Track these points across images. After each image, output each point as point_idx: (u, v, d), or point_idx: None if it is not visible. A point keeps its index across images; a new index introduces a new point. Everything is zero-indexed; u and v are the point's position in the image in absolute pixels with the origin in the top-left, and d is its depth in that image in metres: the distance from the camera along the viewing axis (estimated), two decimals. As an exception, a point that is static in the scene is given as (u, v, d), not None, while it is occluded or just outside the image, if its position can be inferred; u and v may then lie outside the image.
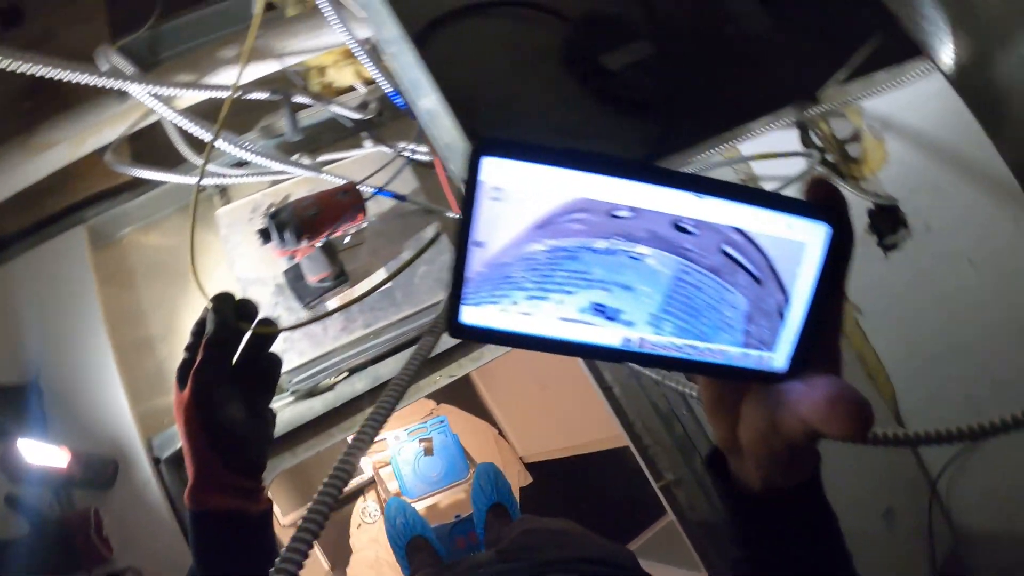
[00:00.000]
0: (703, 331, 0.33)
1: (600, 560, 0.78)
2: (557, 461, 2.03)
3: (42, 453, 0.94)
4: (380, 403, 0.43)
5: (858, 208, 1.24)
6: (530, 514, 1.81)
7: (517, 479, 2.05)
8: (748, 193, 0.32)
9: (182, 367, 0.55)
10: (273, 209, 0.87)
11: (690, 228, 0.32)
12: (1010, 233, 1.04)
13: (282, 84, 1.03)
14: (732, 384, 0.36)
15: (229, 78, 1.06)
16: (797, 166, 1.22)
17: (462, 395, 2.24)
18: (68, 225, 1.16)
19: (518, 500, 1.98)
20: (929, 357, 1.27)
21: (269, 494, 0.60)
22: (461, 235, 0.30)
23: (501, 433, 2.19)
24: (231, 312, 0.55)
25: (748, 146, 1.24)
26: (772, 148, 1.27)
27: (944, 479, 1.30)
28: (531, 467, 2.15)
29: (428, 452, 2.03)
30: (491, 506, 1.77)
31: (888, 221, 1.22)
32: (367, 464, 1.99)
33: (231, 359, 0.56)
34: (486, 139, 0.29)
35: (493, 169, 0.29)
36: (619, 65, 0.55)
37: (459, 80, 0.54)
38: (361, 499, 2.03)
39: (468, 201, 0.29)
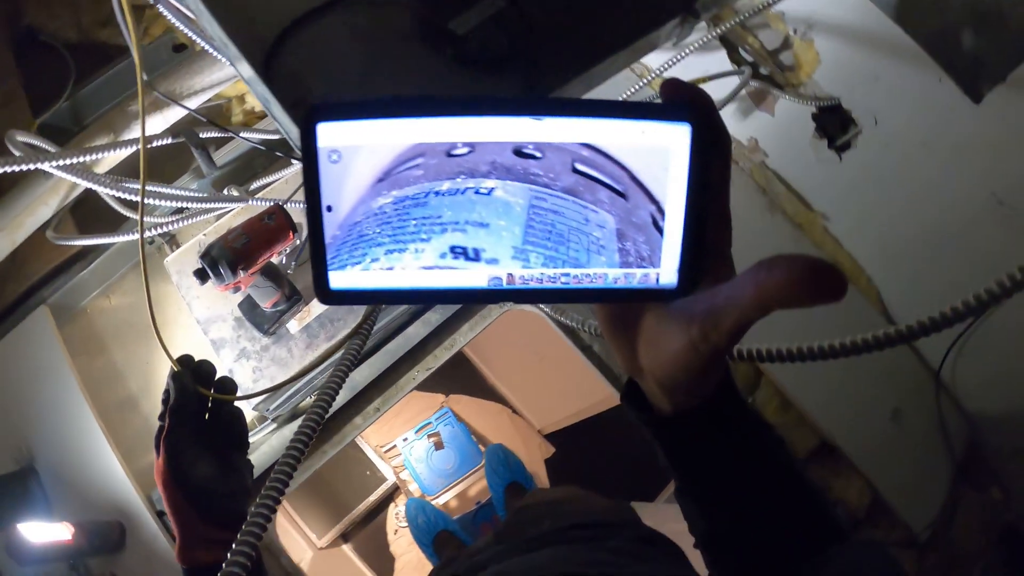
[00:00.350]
0: (575, 257, 0.32)
1: (595, 524, 0.78)
2: (575, 427, 1.99)
3: (44, 531, 0.96)
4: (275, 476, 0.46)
5: (803, 115, 1.21)
6: (540, 487, 1.81)
7: (540, 452, 2.03)
8: (591, 106, 0.30)
9: (157, 434, 0.58)
10: (203, 248, 0.87)
11: (533, 152, 0.31)
12: (957, 109, 1.00)
13: (187, 124, 1.02)
14: (624, 306, 0.35)
15: (147, 130, 1.06)
16: (732, 85, 1.19)
17: (467, 382, 2.20)
18: (29, 308, 1.16)
19: (544, 473, 1.97)
20: (905, 250, 1.25)
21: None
22: (310, 203, 0.30)
23: (515, 411, 2.17)
24: (189, 378, 0.58)
25: (677, 72, 1.21)
26: (705, 72, 1.23)
27: (946, 368, 1.27)
28: (551, 438, 2.12)
29: (438, 446, 2.01)
30: (507, 486, 1.76)
31: (835, 122, 1.18)
32: (388, 471, 2.00)
33: (199, 420, 0.59)
34: (315, 106, 0.29)
35: (327, 133, 0.29)
36: (467, 27, 0.54)
37: (316, 88, 0.53)
38: (392, 505, 2.03)
39: (310, 168, 0.30)
